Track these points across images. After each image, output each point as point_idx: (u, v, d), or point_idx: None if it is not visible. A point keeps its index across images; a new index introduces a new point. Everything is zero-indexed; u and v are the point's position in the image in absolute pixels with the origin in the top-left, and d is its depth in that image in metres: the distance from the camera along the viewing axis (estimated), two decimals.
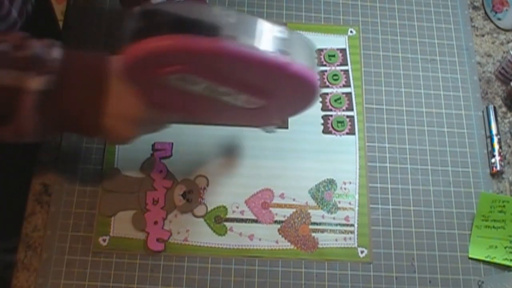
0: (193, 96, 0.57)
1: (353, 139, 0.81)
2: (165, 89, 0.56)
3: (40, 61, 0.55)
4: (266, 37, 0.52)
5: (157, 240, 0.72)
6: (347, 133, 0.81)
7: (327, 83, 0.84)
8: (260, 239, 0.74)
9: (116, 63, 0.59)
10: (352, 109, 0.83)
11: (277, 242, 0.74)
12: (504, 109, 0.86)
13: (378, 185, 0.78)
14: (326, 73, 0.85)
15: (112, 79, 0.58)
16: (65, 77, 0.56)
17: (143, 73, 0.53)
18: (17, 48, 0.56)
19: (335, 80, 0.84)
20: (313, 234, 0.75)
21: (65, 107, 0.57)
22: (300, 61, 0.54)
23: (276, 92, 0.59)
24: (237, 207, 0.75)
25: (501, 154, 0.81)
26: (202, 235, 0.73)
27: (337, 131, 0.81)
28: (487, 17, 0.93)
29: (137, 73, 0.54)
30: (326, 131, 0.81)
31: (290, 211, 0.76)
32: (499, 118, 0.84)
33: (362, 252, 0.74)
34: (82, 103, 0.57)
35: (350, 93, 0.84)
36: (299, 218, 0.75)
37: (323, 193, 0.77)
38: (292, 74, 0.54)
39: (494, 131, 0.82)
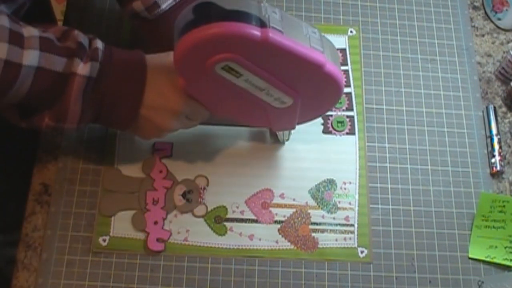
0: (232, 90, 0.61)
1: (353, 139, 0.81)
2: (209, 79, 0.59)
3: (85, 50, 0.59)
4: (306, 34, 0.57)
5: (157, 240, 0.72)
6: (347, 133, 0.81)
7: None
8: (260, 239, 0.74)
9: (156, 58, 0.64)
10: (352, 109, 0.83)
11: (277, 242, 0.74)
12: (504, 109, 0.86)
13: (378, 185, 0.78)
14: None
15: (151, 71, 0.63)
16: (108, 66, 0.60)
17: (194, 62, 0.57)
18: (62, 37, 0.59)
19: None
20: (313, 234, 0.75)
21: (106, 95, 0.61)
22: (332, 61, 0.57)
23: (306, 91, 0.62)
24: (237, 207, 0.75)
25: (501, 154, 0.81)
26: (202, 235, 0.73)
27: (337, 131, 0.81)
28: (487, 17, 0.93)
29: (188, 63, 0.57)
30: (326, 131, 0.81)
31: (290, 211, 0.76)
32: (499, 118, 0.84)
33: (362, 252, 0.74)
34: (122, 92, 0.61)
35: (350, 93, 0.84)
36: (299, 218, 0.75)
37: (323, 193, 0.77)
38: (326, 73, 0.58)
39: (494, 131, 0.82)
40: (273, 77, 0.59)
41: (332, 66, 0.58)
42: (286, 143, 0.79)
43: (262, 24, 0.53)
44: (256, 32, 0.52)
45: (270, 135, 0.79)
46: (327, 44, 0.59)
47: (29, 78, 0.56)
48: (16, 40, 0.54)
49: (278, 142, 0.79)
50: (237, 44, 0.54)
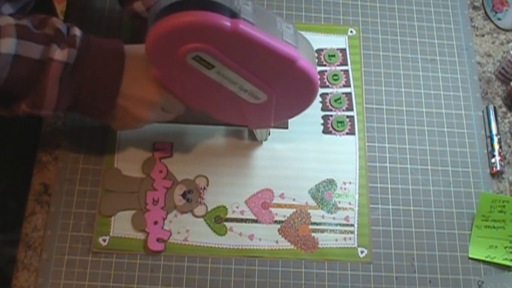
0: (205, 83, 0.60)
1: (353, 139, 0.81)
2: (182, 70, 0.59)
3: (63, 36, 0.59)
4: (279, 29, 0.56)
5: (157, 240, 0.72)
6: (347, 133, 0.81)
7: (327, 83, 0.84)
8: (260, 239, 0.74)
9: (134, 48, 0.63)
10: (352, 109, 0.83)
11: (277, 242, 0.74)
12: (504, 109, 0.86)
13: (378, 185, 0.78)
14: (326, 73, 0.85)
15: (129, 60, 0.62)
16: (86, 53, 0.60)
17: (165, 51, 0.57)
18: (39, 25, 0.59)
19: (335, 80, 0.84)
20: (313, 234, 0.75)
21: (83, 82, 0.60)
22: (306, 58, 0.56)
23: (280, 87, 0.61)
24: (237, 207, 0.75)
25: (501, 154, 0.81)
26: (202, 235, 0.73)
27: (337, 131, 0.81)
28: (487, 17, 0.93)
29: (159, 51, 0.57)
30: (326, 131, 0.81)
31: (290, 211, 0.76)
32: (499, 118, 0.84)
33: (362, 252, 0.74)
34: (99, 80, 0.61)
35: (350, 93, 0.84)
36: (299, 218, 0.75)
37: (323, 193, 0.77)
38: (299, 68, 0.57)
39: (494, 131, 0.82)
40: (245, 71, 0.58)
41: (305, 62, 0.57)
42: (287, 143, 0.79)
43: (233, 15, 0.53)
44: (226, 22, 0.52)
45: (248, 134, 0.79)
46: (302, 41, 0.58)
47: (7, 66, 0.56)
48: None
49: (256, 141, 0.78)
50: (208, 34, 0.53)
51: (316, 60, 0.84)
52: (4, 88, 0.58)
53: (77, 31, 0.61)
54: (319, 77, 0.62)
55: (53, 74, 0.58)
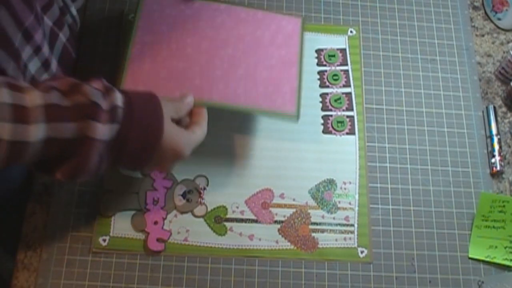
0: None
1: (353, 139, 0.81)
2: None
3: (99, 110, 0.54)
4: None
5: (157, 240, 0.72)
6: (347, 133, 0.81)
7: (327, 83, 0.84)
8: (260, 239, 0.74)
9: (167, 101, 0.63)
10: (352, 109, 0.83)
11: (277, 242, 0.74)
12: (504, 109, 0.86)
13: (378, 185, 0.78)
14: (326, 73, 0.85)
15: (166, 120, 0.61)
16: (129, 125, 0.57)
17: None
18: (69, 92, 0.54)
19: (335, 80, 0.84)
20: (313, 234, 0.75)
21: (126, 150, 0.58)
22: None
23: None
24: (237, 207, 0.75)
25: (501, 154, 0.81)
26: (202, 235, 0.73)
27: (337, 131, 0.81)
28: (487, 17, 0.93)
29: None
30: (326, 131, 0.81)
31: (290, 211, 0.76)
32: (499, 118, 0.84)
33: (362, 252, 0.74)
34: (141, 145, 0.59)
35: (350, 93, 0.84)
36: (299, 218, 0.75)
37: (323, 193, 0.77)
38: None
39: (494, 131, 0.82)
40: None
41: None
42: (287, 143, 0.79)
43: None
44: None
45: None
46: None
47: (38, 150, 0.52)
48: (20, 115, 0.49)
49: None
50: None
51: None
52: (35, 164, 0.55)
53: (117, 99, 0.57)
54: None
55: (93, 151, 0.54)
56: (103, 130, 0.54)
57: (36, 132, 0.50)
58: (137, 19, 0.75)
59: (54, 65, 0.68)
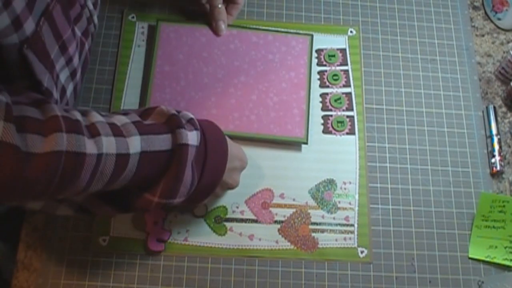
0: None
1: (353, 139, 0.81)
2: None
3: (182, 120, 0.59)
4: None
5: (157, 240, 0.72)
6: (347, 133, 0.81)
7: (327, 83, 0.84)
8: (260, 239, 0.74)
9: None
10: (352, 109, 0.83)
11: (277, 242, 0.74)
12: (504, 109, 0.86)
13: (378, 185, 0.78)
14: (326, 73, 0.85)
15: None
16: (204, 133, 0.61)
17: None
18: (145, 115, 0.59)
19: (335, 80, 0.84)
20: (313, 234, 0.75)
21: (207, 161, 0.61)
22: None
23: None
24: (237, 207, 0.75)
25: (501, 154, 0.81)
26: (202, 235, 0.73)
27: (337, 131, 0.81)
28: (487, 17, 0.93)
29: None
30: (326, 131, 0.81)
31: (290, 211, 0.76)
32: (499, 118, 0.84)
33: (362, 252, 0.74)
34: (217, 154, 0.63)
35: (350, 93, 0.84)
36: (299, 218, 0.75)
37: (323, 193, 0.77)
38: None
39: (494, 131, 0.82)
40: None
41: None
42: (287, 143, 0.79)
43: None
44: None
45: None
46: None
47: (135, 165, 0.54)
48: (117, 131, 0.53)
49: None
50: None
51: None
52: (131, 184, 0.56)
53: (189, 114, 0.61)
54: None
55: (187, 158, 0.57)
56: (191, 136, 0.58)
57: (134, 143, 0.54)
58: (156, 47, 0.80)
59: (78, 73, 0.69)
